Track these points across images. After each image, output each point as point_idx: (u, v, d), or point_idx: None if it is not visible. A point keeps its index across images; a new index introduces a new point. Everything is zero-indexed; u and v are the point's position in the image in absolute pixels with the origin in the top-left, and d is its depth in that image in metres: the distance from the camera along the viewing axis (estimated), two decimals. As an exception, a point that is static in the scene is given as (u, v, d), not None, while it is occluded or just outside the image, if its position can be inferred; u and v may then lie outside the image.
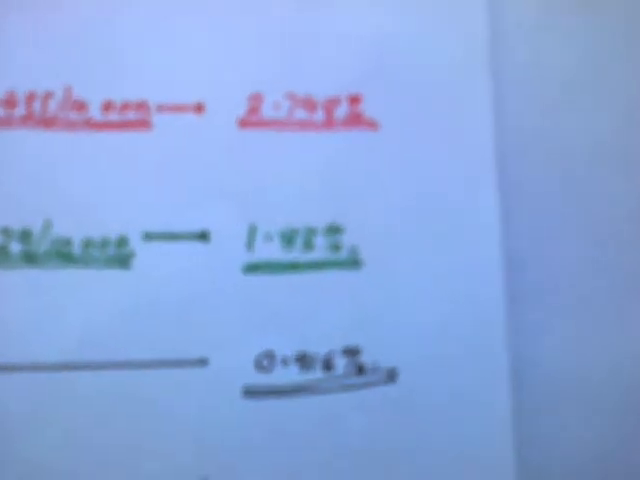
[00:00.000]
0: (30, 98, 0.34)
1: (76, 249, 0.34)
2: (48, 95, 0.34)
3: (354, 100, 0.35)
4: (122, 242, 0.34)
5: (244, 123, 0.35)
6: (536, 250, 0.36)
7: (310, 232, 0.35)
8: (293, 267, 0.35)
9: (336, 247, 0.35)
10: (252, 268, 0.35)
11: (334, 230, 0.35)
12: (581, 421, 0.36)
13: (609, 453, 0.36)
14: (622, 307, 0.37)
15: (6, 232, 0.34)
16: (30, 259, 0.34)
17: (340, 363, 0.35)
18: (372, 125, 0.35)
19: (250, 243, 0.35)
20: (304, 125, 0.35)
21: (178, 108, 0.35)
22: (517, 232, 0.36)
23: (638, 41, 0.37)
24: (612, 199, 0.37)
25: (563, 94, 0.37)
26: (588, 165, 0.37)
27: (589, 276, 0.36)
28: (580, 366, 0.36)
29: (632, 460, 0.36)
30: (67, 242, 0.34)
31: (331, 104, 0.35)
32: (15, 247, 0.34)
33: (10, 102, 0.34)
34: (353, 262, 0.35)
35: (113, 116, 0.34)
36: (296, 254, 0.35)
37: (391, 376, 0.35)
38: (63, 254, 0.34)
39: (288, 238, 0.35)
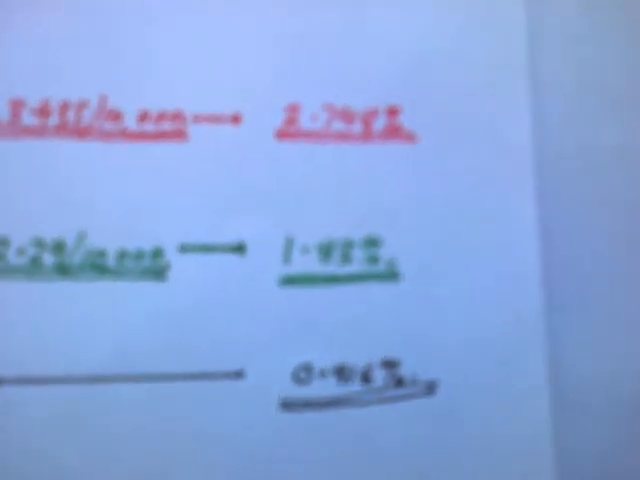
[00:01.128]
0: (64, 107, 0.34)
1: (111, 261, 0.33)
2: (82, 104, 0.34)
3: (392, 112, 0.35)
4: (157, 254, 0.34)
5: (281, 134, 0.35)
6: (574, 261, 0.36)
7: (347, 244, 0.35)
8: (330, 280, 0.35)
9: (374, 259, 0.35)
10: (289, 280, 0.34)
11: (372, 243, 0.35)
12: (620, 430, 0.36)
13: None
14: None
15: (39, 243, 0.33)
16: (63, 271, 0.33)
17: (379, 375, 0.35)
18: (410, 138, 0.35)
19: (287, 255, 0.34)
20: (342, 137, 0.35)
21: (215, 119, 0.34)
22: (555, 243, 0.36)
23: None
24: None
25: (602, 104, 0.37)
26: (626, 176, 0.37)
27: (625, 286, 0.37)
28: (617, 376, 0.36)
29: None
30: (101, 254, 0.33)
31: (369, 116, 0.35)
32: (48, 259, 0.33)
33: (44, 111, 0.33)
34: (391, 274, 0.35)
35: (149, 126, 0.34)
36: (333, 267, 0.35)
37: (430, 388, 0.35)
38: (97, 266, 0.33)
39: (325, 250, 0.35)
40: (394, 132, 0.35)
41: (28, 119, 0.33)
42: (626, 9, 0.38)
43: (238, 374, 0.34)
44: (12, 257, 0.33)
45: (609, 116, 0.37)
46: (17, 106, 0.33)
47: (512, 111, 0.36)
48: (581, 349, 0.36)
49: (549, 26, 0.37)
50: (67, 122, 0.34)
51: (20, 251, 0.33)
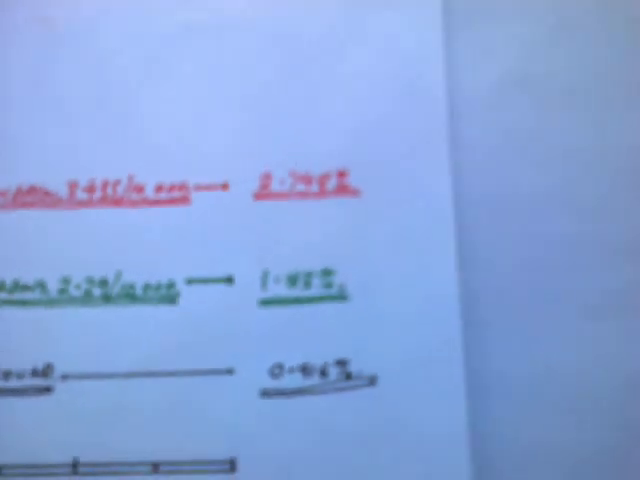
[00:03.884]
0: (104, 185, 0.47)
1: (138, 291, 0.46)
2: (117, 182, 0.47)
3: (341, 174, 0.46)
4: (171, 285, 0.46)
5: (258, 196, 0.46)
6: (489, 285, 0.46)
7: (309, 275, 0.46)
8: (296, 301, 0.46)
9: (329, 285, 0.46)
10: (266, 302, 0.46)
11: (327, 273, 0.46)
12: (531, 419, 0.46)
13: (556, 447, 0.46)
14: (566, 328, 0.46)
15: (90, 281, 0.46)
16: (107, 300, 0.46)
17: (333, 371, 0.45)
18: (355, 193, 0.46)
19: (264, 284, 0.46)
20: (303, 195, 0.46)
21: (210, 187, 0.46)
22: (474, 268, 0.46)
23: (569, 112, 0.47)
24: (554, 235, 0.46)
25: (515, 157, 0.47)
26: (535, 211, 0.46)
27: (537, 302, 0.46)
28: (524, 375, 0.46)
29: (580, 455, 0.46)
30: (132, 286, 0.46)
31: (324, 178, 0.46)
32: (96, 291, 0.46)
33: (91, 188, 0.47)
34: (341, 296, 0.46)
35: (163, 195, 0.46)
36: (298, 291, 0.46)
37: (372, 381, 0.45)
38: (129, 295, 0.46)
39: (292, 280, 0.46)
40: (343, 190, 0.46)
41: (80, 195, 0.47)
42: (533, 81, 0.47)
43: (229, 371, 0.45)
44: (72, 290, 0.46)
45: (518, 165, 0.47)
46: (73, 186, 0.47)
47: (434, 168, 0.46)
48: (494, 354, 0.46)
49: (467, 95, 0.47)
50: (107, 195, 0.47)
51: (77, 286, 0.46)
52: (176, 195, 0.46)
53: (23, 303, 0.46)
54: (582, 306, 0.46)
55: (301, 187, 0.46)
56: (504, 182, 0.47)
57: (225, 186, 0.46)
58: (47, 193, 0.47)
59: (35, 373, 0.46)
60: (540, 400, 0.46)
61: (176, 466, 0.45)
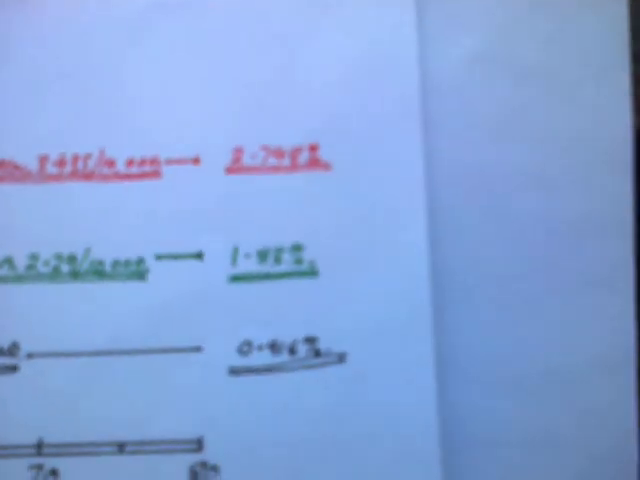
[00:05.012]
0: (75, 159, 0.46)
1: (107, 268, 0.45)
2: (87, 156, 0.46)
3: (313, 148, 0.46)
4: (140, 262, 0.45)
5: (230, 170, 0.46)
6: (459, 261, 0.45)
7: (279, 250, 0.45)
8: (266, 277, 0.45)
9: (299, 261, 0.45)
10: (236, 279, 0.45)
11: (297, 248, 0.45)
12: (494, 390, 0.45)
13: (524, 429, 0.45)
14: (537, 309, 0.46)
15: (58, 257, 0.46)
16: (75, 276, 0.45)
17: (302, 348, 0.45)
18: (327, 167, 0.46)
19: (234, 260, 0.45)
20: (275, 169, 0.46)
21: (181, 161, 0.46)
22: (446, 247, 0.45)
23: (545, 89, 0.46)
24: (528, 215, 0.45)
25: (489, 135, 0.46)
26: (508, 189, 0.46)
27: (507, 278, 0.46)
28: (493, 354, 0.45)
29: (548, 436, 0.45)
30: (101, 263, 0.45)
31: (295, 152, 0.46)
32: (65, 268, 0.46)
33: (61, 162, 0.46)
34: (312, 272, 0.45)
35: (134, 169, 0.46)
36: (269, 267, 0.45)
37: (341, 358, 0.44)
38: (98, 272, 0.45)
39: (262, 255, 0.45)
40: (314, 164, 0.46)
41: (50, 169, 0.47)
42: (506, 57, 0.46)
43: (197, 348, 0.45)
44: (40, 267, 0.45)
45: (492, 144, 0.46)
46: (43, 160, 0.47)
47: (406, 144, 0.45)
48: (462, 329, 0.45)
49: (440, 70, 0.46)
50: (77, 170, 0.46)
51: (45, 262, 0.45)
52: (147, 169, 0.46)
53: (-10, 280, 0.46)
54: (552, 283, 0.45)
55: (273, 161, 0.46)
56: (476, 158, 0.46)
57: (196, 160, 0.46)
58: (16, 167, 0.46)
59: (1, 352, 0.45)
60: (509, 376, 0.45)
61: (142, 446, 0.45)
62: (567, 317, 0.45)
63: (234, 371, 0.45)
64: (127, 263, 0.45)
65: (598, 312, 0.45)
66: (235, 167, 0.46)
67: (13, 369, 0.45)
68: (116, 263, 0.45)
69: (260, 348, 0.45)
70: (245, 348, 0.45)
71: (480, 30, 0.46)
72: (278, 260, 0.45)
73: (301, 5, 0.46)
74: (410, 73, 0.46)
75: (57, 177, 0.46)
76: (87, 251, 0.46)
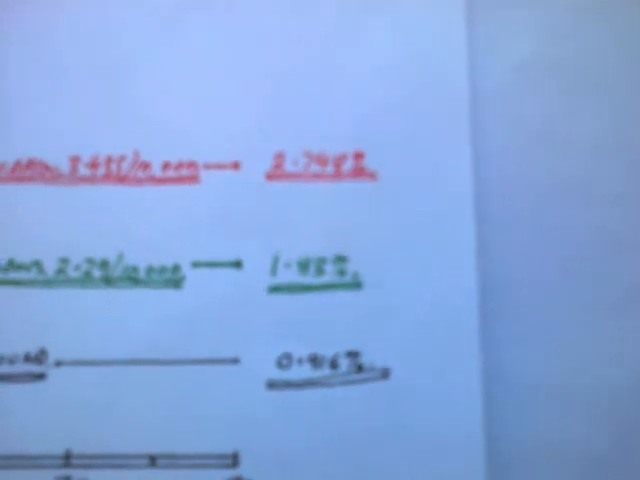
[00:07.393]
0: (108, 161, 0.45)
1: (142, 274, 0.44)
2: (121, 158, 0.45)
3: (358, 156, 0.45)
4: (176, 269, 0.44)
5: (270, 177, 0.44)
6: (509, 274, 0.44)
7: (321, 261, 0.44)
8: (307, 288, 0.44)
9: (342, 272, 0.44)
10: (275, 289, 0.44)
11: (340, 259, 0.44)
12: (546, 416, 0.44)
13: (572, 446, 0.44)
14: (584, 323, 0.45)
15: (90, 261, 0.44)
16: (107, 282, 0.44)
17: (344, 363, 0.43)
18: (372, 176, 0.44)
19: (274, 269, 0.44)
20: (318, 177, 0.44)
21: (220, 166, 0.44)
22: (493, 259, 0.44)
23: (593, 98, 0.46)
24: (575, 228, 0.45)
25: (537, 144, 0.45)
26: (556, 200, 0.45)
27: (556, 295, 0.45)
28: (541, 370, 0.44)
29: (595, 453, 0.44)
30: (135, 269, 0.44)
31: (340, 160, 0.44)
32: (96, 273, 0.44)
33: (94, 164, 0.45)
34: (355, 284, 0.44)
35: (170, 173, 0.44)
36: (310, 278, 0.44)
37: (385, 374, 0.43)
38: (132, 278, 0.44)
39: (304, 265, 0.44)
40: (359, 172, 0.44)
41: (82, 170, 0.45)
42: (555, 65, 0.46)
43: (234, 360, 0.43)
44: (70, 271, 0.44)
45: (539, 155, 0.45)
46: (75, 161, 0.45)
47: (455, 153, 0.44)
48: (511, 348, 0.44)
49: (489, 79, 0.45)
50: (111, 172, 0.45)
51: (76, 267, 0.44)
52: (184, 174, 0.44)
53: (18, 283, 0.44)
54: (601, 300, 0.45)
55: (316, 168, 0.44)
56: (525, 168, 0.45)
57: (236, 165, 0.44)
58: (47, 167, 0.44)
59: (28, 358, 0.44)
60: (557, 396, 0.44)
61: (175, 460, 0.43)
62: (615, 331, 0.44)
63: (272, 385, 0.43)
64: (162, 270, 0.44)
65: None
66: (276, 173, 0.44)
67: (40, 377, 0.43)
68: (150, 269, 0.44)
69: (300, 362, 0.43)
70: (284, 361, 0.43)
71: (529, 37, 0.45)
72: (320, 271, 0.44)
73: (349, 10, 0.45)
74: (459, 82, 0.45)
75: (89, 179, 0.44)
76: (120, 256, 0.44)
